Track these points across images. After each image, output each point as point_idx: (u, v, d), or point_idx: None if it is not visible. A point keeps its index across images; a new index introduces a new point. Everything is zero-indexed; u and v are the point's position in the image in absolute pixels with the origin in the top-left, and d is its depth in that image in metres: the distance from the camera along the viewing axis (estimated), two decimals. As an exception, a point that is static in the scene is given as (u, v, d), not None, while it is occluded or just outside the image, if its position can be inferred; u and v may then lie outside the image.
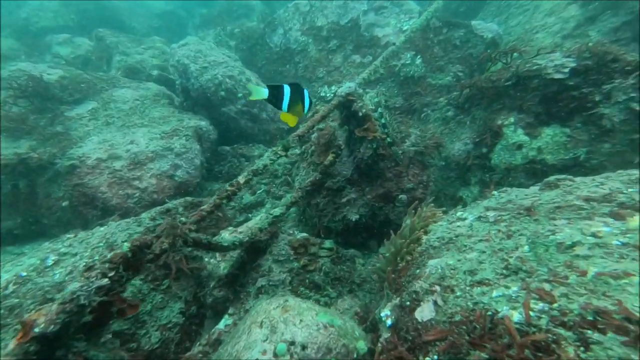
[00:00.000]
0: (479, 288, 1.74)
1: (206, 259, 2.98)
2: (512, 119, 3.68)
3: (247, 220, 4.70)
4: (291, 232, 3.38)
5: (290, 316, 1.85)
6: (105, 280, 1.34)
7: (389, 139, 3.57)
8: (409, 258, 2.35)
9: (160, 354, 2.32)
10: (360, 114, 3.27)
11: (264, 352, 1.66)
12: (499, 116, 3.79)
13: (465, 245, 2.12)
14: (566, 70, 3.17)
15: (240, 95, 5.90)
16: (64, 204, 4.07)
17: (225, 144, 6.05)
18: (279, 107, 2.02)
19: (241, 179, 2.30)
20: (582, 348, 1.26)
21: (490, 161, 3.84)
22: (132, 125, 4.85)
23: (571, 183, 2.39)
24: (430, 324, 1.74)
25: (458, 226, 2.39)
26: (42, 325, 1.15)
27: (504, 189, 2.72)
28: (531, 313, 1.45)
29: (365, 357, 1.92)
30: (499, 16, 6.81)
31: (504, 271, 1.76)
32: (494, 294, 1.66)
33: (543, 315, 1.44)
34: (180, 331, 2.51)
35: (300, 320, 1.84)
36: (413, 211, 2.53)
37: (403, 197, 3.61)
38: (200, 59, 5.75)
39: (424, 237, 2.40)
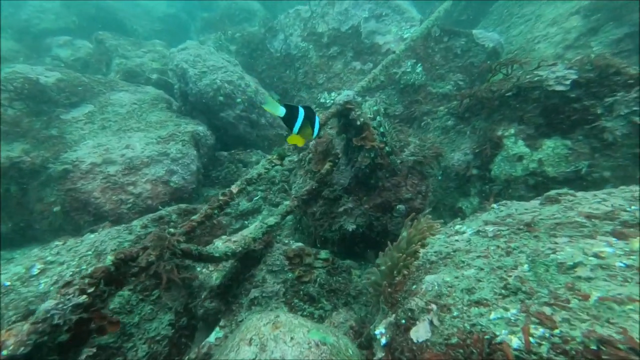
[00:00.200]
0: (476, 308, 1.67)
1: (198, 269, 2.91)
2: (512, 130, 3.63)
3: (243, 227, 4.64)
4: (286, 241, 3.32)
5: (281, 333, 1.78)
6: (83, 298, 1.28)
7: (387, 148, 3.51)
8: (405, 272, 2.29)
9: (147, 369, 2.24)
10: (358, 122, 3.22)
11: (252, 372, 1.59)
12: (500, 127, 3.74)
13: (463, 261, 2.05)
14: (567, 82, 3.13)
15: (239, 100, 5.86)
16: (56, 209, 4.00)
17: (224, 149, 6.00)
18: (290, 127, 2.05)
19: (234, 189, 2.24)
20: (585, 381, 1.19)
21: (490, 172, 3.79)
22: (128, 129, 4.79)
23: (572, 198, 2.33)
24: (426, 346, 1.67)
25: (456, 240, 2.33)
26: (12, 347, 1.07)
27: (504, 202, 2.66)
28: (531, 339, 1.39)
29: (358, 378, 1.84)
30: (500, 25, 6.81)
31: (503, 291, 1.69)
32: (492, 315, 1.59)
33: (544, 342, 1.37)
34: (169, 344, 2.43)
35: (291, 338, 1.77)
36: (410, 223, 2.47)
37: (401, 207, 3.55)
38: (199, 63, 5.73)
39: (421, 251, 2.34)
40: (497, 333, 1.48)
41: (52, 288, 2.22)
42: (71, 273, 2.32)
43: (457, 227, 2.52)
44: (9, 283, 2.31)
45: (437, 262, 2.19)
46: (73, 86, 5.19)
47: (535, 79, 3.37)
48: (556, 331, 1.36)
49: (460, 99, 4.29)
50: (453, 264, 2.06)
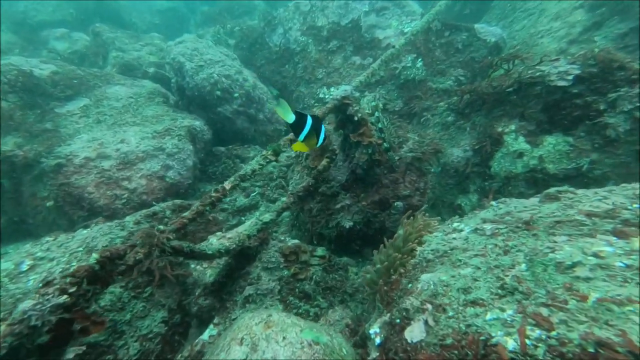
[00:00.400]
0: (472, 309, 1.64)
1: (192, 266, 2.87)
2: (513, 127, 3.57)
3: (240, 223, 4.60)
4: (282, 238, 3.28)
5: (273, 333, 1.75)
6: (64, 298, 1.23)
7: (385, 144, 3.46)
8: (402, 270, 2.25)
9: (139, 367, 2.21)
10: (356, 118, 3.17)
11: (243, 373, 1.56)
12: (500, 123, 3.68)
13: (460, 260, 2.02)
14: (570, 77, 3.06)
15: (236, 95, 5.79)
16: (49, 204, 3.96)
17: (221, 144, 5.94)
18: (297, 135, 2.09)
19: (227, 185, 2.19)
20: (583, 386, 1.16)
21: (489, 169, 3.74)
22: (124, 123, 4.73)
23: (572, 196, 2.29)
24: (420, 346, 1.64)
25: (454, 238, 2.29)
26: (-13, 349, 1.04)
27: (503, 199, 2.62)
28: (527, 341, 1.35)
29: (351, 378, 1.81)
30: (503, 20, 6.70)
31: (500, 291, 1.66)
32: (488, 316, 1.55)
33: (540, 344, 1.33)
34: (161, 342, 2.40)
35: (284, 338, 1.74)
36: (406, 220, 2.42)
37: (399, 204, 3.51)
38: (196, 57, 5.65)
39: (418, 249, 2.30)
40: (493, 334, 1.45)
41: (40, 285, 2.18)
42: (61, 270, 2.29)
43: (455, 224, 2.48)
44: (-3, 279, 2.27)
45: (434, 260, 2.15)
46: (68, 79, 5.12)
47: (537, 74, 3.30)
48: (553, 333, 1.33)
49: (461, 95, 4.22)
50: (450, 263, 2.02)
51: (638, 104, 2.89)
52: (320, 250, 3.19)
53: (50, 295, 1.21)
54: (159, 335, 2.39)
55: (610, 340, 1.22)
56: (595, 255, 1.59)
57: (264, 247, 3.08)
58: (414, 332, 1.68)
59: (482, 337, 1.45)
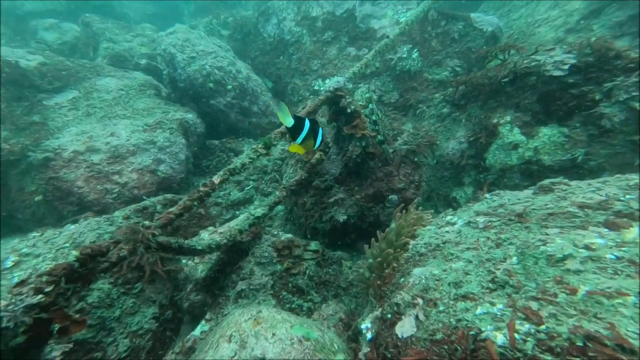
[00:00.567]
0: (463, 303, 1.62)
1: (184, 261, 2.84)
2: (508, 118, 3.53)
3: (234, 217, 4.56)
4: (275, 232, 3.24)
5: (262, 329, 1.72)
6: (39, 298, 1.19)
7: (379, 137, 3.41)
8: (395, 264, 2.23)
9: (129, 363, 2.19)
10: (349, 110, 3.11)
11: (231, 370, 1.54)
12: (495, 114, 3.64)
13: (452, 254, 2.00)
14: (566, 67, 3.01)
15: (229, 87, 5.70)
16: (37, 198, 3.89)
17: (215, 137, 5.86)
18: (295, 138, 2.15)
19: (216, 179, 2.14)
20: (569, 379, 1.14)
21: (485, 161, 3.70)
22: (114, 116, 4.64)
23: (566, 187, 2.27)
24: (411, 341, 1.62)
25: (447, 231, 2.28)
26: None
27: (497, 191, 2.59)
28: (516, 335, 1.34)
29: (342, 373, 1.80)
30: (501, 8, 6.60)
31: (490, 285, 1.64)
32: (479, 310, 1.54)
33: (529, 339, 1.32)
34: (152, 338, 2.38)
35: (273, 334, 1.71)
36: (399, 214, 2.39)
37: (394, 197, 3.48)
38: (188, 48, 5.53)
39: (411, 242, 2.27)
40: (483, 329, 1.44)
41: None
42: (46, 266, 2.25)
43: (449, 217, 2.46)
44: (-20, 277, 2.23)
45: (427, 254, 2.14)
46: (56, 70, 4.99)
47: (533, 64, 3.24)
48: (542, 327, 1.32)
49: (456, 86, 4.16)
50: (442, 256, 2.01)
51: (634, 94, 2.85)
52: (313, 245, 3.17)
53: (24, 295, 1.17)
54: (149, 331, 2.37)
55: (598, 334, 1.21)
56: (586, 247, 1.58)
57: (256, 242, 3.05)
58: (405, 327, 1.67)
59: (471, 332, 1.44)
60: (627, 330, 1.20)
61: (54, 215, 3.97)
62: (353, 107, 3.13)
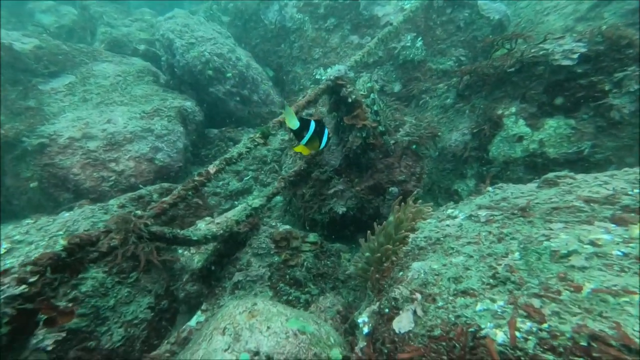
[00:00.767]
0: (462, 299, 1.58)
1: (180, 251, 2.81)
2: (513, 109, 3.43)
3: (233, 207, 4.52)
4: (274, 224, 3.20)
5: (257, 322, 1.69)
6: (22, 288, 1.15)
7: (380, 128, 3.33)
8: (394, 258, 2.19)
9: (123, 353, 2.17)
10: (350, 99, 3.03)
11: (224, 363, 1.51)
12: (500, 105, 3.54)
13: (453, 248, 1.96)
14: (575, 56, 2.90)
15: (229, 74, 5.58)
16: (33, 184, 3.84)
17: (214, 126, 5.78)
18: (300, 139, 2.18)
19: (212, 169, 2.09)
20: (573, 380, 1.10)
21: (488, 153, 3.63)
22: (111, 102, 4.55)
23: (572, 181, 2.21)
24: (408, 337, 1.59)
25: (447, 225, 2.23)
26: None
27: (500, 185, 2.54)
28: (517, 334, 1.29)
29: (338, 367, 1.77)
30: (508, -4, 6.40)
31: (491, 280, 1.59)
32: (478, 307, 1.49)
33: (530, 337, 1.27)
34: (147, 327, 2.36)
35: (268, 327, 1.68)
36: (398, 207, 2.34)
37: (394, 189, 3.42)
38: (186, 34, 5.40)
39: (411, 236, 2.23)
40: (482, 326, 1.40)
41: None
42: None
43: (450, 211, 2.41)
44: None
45: (426, 248, 2.09)
46: (52, 54, 4.87)
47: (541, 53, 3.13)
48: (544, 325, 1.27)
49: (460, 76, 4.05)
50: (442, 251, 1.96)
51: (646, 85, 2.75)
52: (312, 236, 3.13)
53: (6, 286, 1.13)
54: (144, 321, 2.35)
55: (603, 334, 1.16)
56: (592, 243, 1.52)
57: (254, 233, 3.01)
58: (402, 323, 1.63)
59: (471, 329, 1.40)
60: (634, 330, 1.15)
61: (50, 202, 3.93)
62: (354, 96, 3.05)
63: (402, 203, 2.38)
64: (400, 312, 1.70)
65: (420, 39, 5.39)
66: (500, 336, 1.31)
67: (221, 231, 2.50)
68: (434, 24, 5.46)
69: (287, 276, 2.82)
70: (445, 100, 4.45)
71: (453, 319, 1.50)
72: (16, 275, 1.16)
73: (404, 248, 2.18)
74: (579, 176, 2.18)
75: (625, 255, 1.43)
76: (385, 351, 1.61)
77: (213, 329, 1.69)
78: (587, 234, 1.59)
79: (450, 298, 1.60)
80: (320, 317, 2.35)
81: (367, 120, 3.08)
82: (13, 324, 1.11)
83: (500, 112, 3.50)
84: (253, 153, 5.09)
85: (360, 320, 1.91)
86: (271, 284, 2.74)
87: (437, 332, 1.50)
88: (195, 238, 2.20)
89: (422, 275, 1.83)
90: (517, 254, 1.66)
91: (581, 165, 3.07)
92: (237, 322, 1.69)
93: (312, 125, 2.14)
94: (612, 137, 2.91)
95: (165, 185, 3.30)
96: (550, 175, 2.26)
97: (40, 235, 2.44)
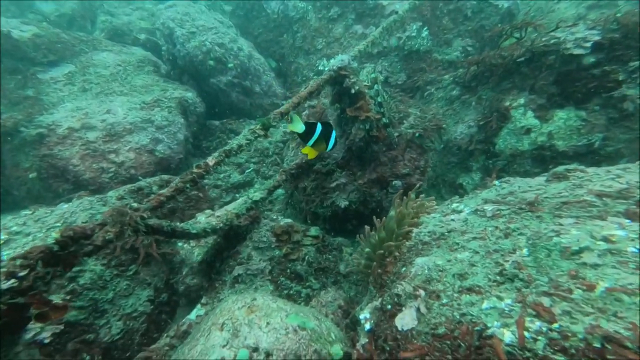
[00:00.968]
0: (468, 296, 1.53)
1: (180, 244, 2.77)
2: (521, 100, 3.33)
3: (234, 200, 4.48)
4: (275, 217, 3.16)
5: (256, 318, 1.65)
6: (11, 282, 1.12)
7: (384, 120, 3.25)
8: (397, 253, 2.14)
9: (122, 346, 2.16)
10: (353, 90, 2.94)
11: (222, 360, 1.48)
12: (508, 97, 3.44)
13: (458, 243, 1.90)
14: (588, 44, 2.78)
15: (231, 65, 5.49)
16: (32, 175, 3.80)
17: (216, 118, 5.72)
18: (306, 142, 2.23)
19: (211, 161, 2.03)
20: (584, 383, 1.05)
21: (494, 146, 3.54)
22: (110, 93, 4.48)
23: (582, 174, 2.13)
24: (411, 335, 1.54)
25: (452, 220, 2.17)
26: None
27: (507, 178, 2.46)
28: (526, 333, 1.24)
29: (339, 364, 1.74)
30: (517, -16, 6.20)
31: (498, 277, 1.54)
32: (485, 305, 1.44)
33: (540, 337, 1.22)
34: (147, 320, 2.34)
35: (267, 323, 1.64)
36: (399, 201, 2.28)
37: (397, 183, 3.35)
38: (187, 22, 5.29)
39: (414, 230, 2.17)
40: (489, 325, 1.35)
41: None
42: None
43: (455, 205, 2.35)
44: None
45: (430, 243, 2.04)
46: (51, 43, 4.78)
47: (552, 41, 3.01)
48: (555, 325, 1.22)
49: (467, 66, 3.94)
50: (447, 246, 1.91)
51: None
52: (313, 230, 3.08)
53: (-5, 281, 1.09)
54: (144, 314, 2.33)
55: (618, 335, 1.10)
56: (605, 239, 1.46)
57: (255, 226, 2.97)
58: (405, 320, 1.59)
59: (476, 328, 1.35)
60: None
61: (49, 193, 3.90)
62: (357, 87, 2.96)
63: (404, 197, 2.32)
64: (403, 308, 1.66)
65: (426, 28, 5.25)
66: (507, 336, 1.27)
67: (221, 224, 2.46)
68: (441, 12, 5.32)
69: (288, 270, 2.79)
70: (451, 91, 4.34)
71: (458, 317, 1.45)
72: (5, 270, 1.12)
73: (407, 243, 2.13)
74: (590, 169, 2.11)
75: (642, 252, 1.37)
76: (387, 349, 1.57)
77: (211, 324, 1.66)
78: (599, 229, 1.53)
79: (455, 295, 1.55)
80: (321, 312, 2.32)
81: (371, 112, 3.00)
82: (3, 318, 1.08)
83: (508, 103, 3.40)
84: (254, 145, 5.06)
85: (362, 316, 1.87)
86: (272, 278, 2.71)
87: (441, 330, 1.45)
88: (194, 231, 2.16)
89: (426, 271, 1.78)
90: (525, 250, 1.60)
91: (591, 159, 2.99)
92: (236, 317, 1.65)
93: (319, 127, 2.18)
94: (625, 129, 2.81)
95: (165, 177, 3.26)
96: (560, 168, 2.19)
97: (37, 227, 2.41)
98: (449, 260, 1.77)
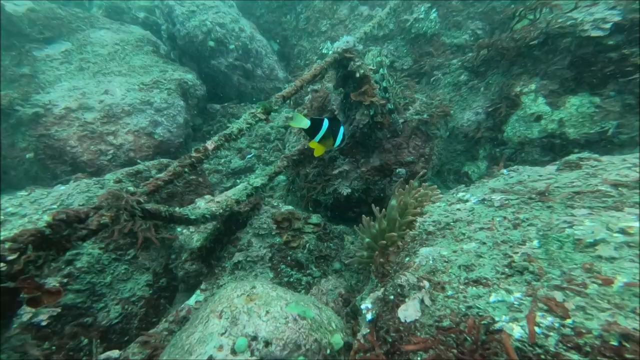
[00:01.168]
0: (474, 288, 1.47)
1: (179, 229, 2.73)
2: (533, 86, 3.20)
3: (235, 186, 4.42)
4: (275, 204, 3.10)
5: (255, 306, 1.61)
6: (-1, 268, 1.07)
7: (389, 105, 3.14)
8: (400, 243, 2.08)
9: (121, 330, 2.14)
10: (358, 74, 2.82)
11: (220, 348, 1.44)
12: (519, 82, 3.30)
13: (464, 234, 1.84)
14: (607, 25, 2.62)
15: (232, 46, 5.32)
16: (29, 155, 3.73)
17: (217, 101, 5.59)
18: (313, 137, 2.18)
19: (210, 145, 1.95)
20: (600, 384, 1.00)
21: (502, 134, 3.43)
22: (108, 72, 4.36)
23: (596, 163, 2.04)
24: (414, 327, 1.50)
25: (458, 209, 2.10)
26: None
27: (515, 167, 2.38)
28: (536, 329, 1.19)
29: (340, 354, 1.71)
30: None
31: (507, 270, 1.48)
32: (492, 298, 1.39)
33: (552, 333, 1.17)
34: (145, 305, 2.32)
35: (267, 312, 1.61)
36: (400, 189, 2.21)
37: (401, 170, 3.27)
38: (187, 0, 5.10)
39: (418, 220, 2.11)
40: (497, 319, 1.30)
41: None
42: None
43: (461, 194, 2.27)
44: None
45: (435, 233, 1.98)
46: (47, 19, 4.60)
47: (569, 22, 2.85)
48: (568, 321, 1.16)
49: (477, 50, 3.78)
50: (452, 236, 1.85)
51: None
52: (315, 218, 3.03)
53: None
54: (142, 298, 2.30)
55: (638, 333, 1.04)
56: (622, 231, 1.39)
57: (255, 213, 2.91)
58: (409, 311, 1.54)
59: (483, 322, 1.30)
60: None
61: (47, 174, 3.84)
62: (362, 71, 2.84)
63: (406, 185, 2.25)
64: (407, 300, 1.61)
65: (434, 10, 5.04)
66: (517, 331, 1.21)
67: (220, 210, 2.40)
68: (450, -8, 5.10)
69: (289, 257, 2.75)
70: (458, 77, 4.20)
71: (464, 309, 1.40)
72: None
73: (410, 232, 2.07)
74: (605, 158, 2.02)
75: (661, 245, 1.30)
76: (390, 340, 1.53)
77: (210, 311, 1.62)
78: (616, 221, 1.45)
79: (461, 287, 1.50)
80: (321, 300, 2.29)
81: (376, 97, 2.89)
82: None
83: (518, 89, 3.28)
84: (256, 130, 4.95)
85: (363, 306, 1.83)
86: (272, 265, 2.68)
87: (446, 323, 1.40)
88: (193, 217, 2.11)
89: (431, 261, 1.73)
90: (535, 242, 1.54)
91: (603, 147, 2.88)
92: (235, 305, 1.61)
93: (325, 123, 2.13)
94: (640, 116, 2.70)
95: (165, 161, 3.19)
96: (572, 156, 2.10)
97: (33, 209, 2.36)
98: (454, 251, 1.72)
